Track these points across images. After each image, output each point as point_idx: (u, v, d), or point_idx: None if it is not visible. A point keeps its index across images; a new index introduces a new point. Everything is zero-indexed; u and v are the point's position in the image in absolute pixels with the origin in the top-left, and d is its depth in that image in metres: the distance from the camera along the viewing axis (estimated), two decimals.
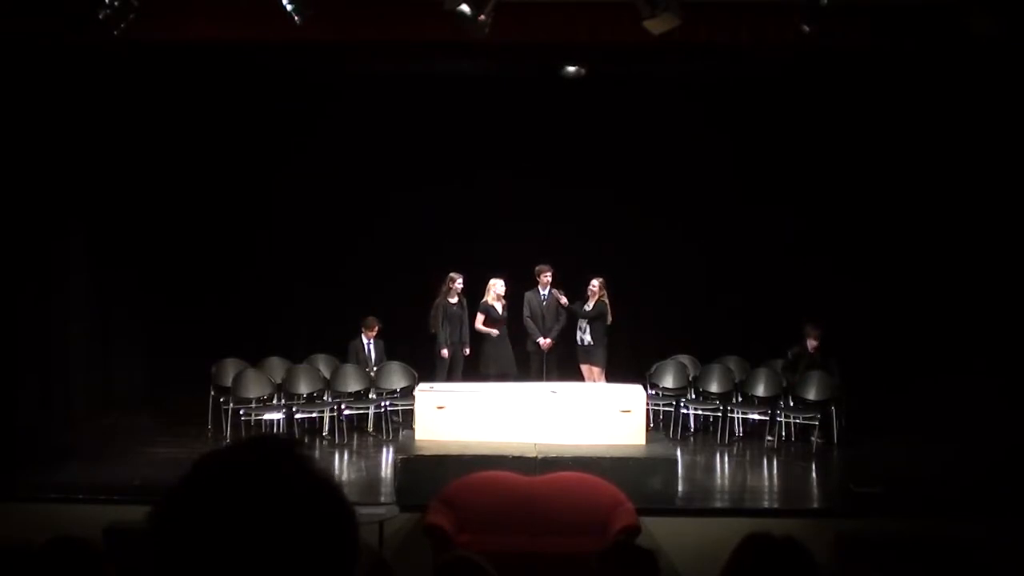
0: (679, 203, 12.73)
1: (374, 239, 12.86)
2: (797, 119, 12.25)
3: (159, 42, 9.24)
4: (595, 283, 11.48)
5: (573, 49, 10.04)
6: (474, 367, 11.58)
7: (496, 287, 11.49)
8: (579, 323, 11.52)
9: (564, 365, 11.66)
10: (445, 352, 11.45)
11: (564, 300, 11.53)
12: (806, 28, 8.17)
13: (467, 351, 11.58)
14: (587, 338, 11.46)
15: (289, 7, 8.04)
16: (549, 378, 11.21)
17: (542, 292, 11.65)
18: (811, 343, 11.25)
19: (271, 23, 8.58)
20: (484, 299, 11.51)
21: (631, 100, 12.36)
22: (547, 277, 11.62)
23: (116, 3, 7.92)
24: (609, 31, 9.07)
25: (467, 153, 12.70)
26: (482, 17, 7.81)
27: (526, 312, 11.63)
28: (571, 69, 10.69)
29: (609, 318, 11.44)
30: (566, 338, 11.69)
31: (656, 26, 7.77)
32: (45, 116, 10.07)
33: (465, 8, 7.67)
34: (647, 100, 12.33)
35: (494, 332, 11.42)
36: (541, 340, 11.53)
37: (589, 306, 11.44)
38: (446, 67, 11.53)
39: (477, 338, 11.56)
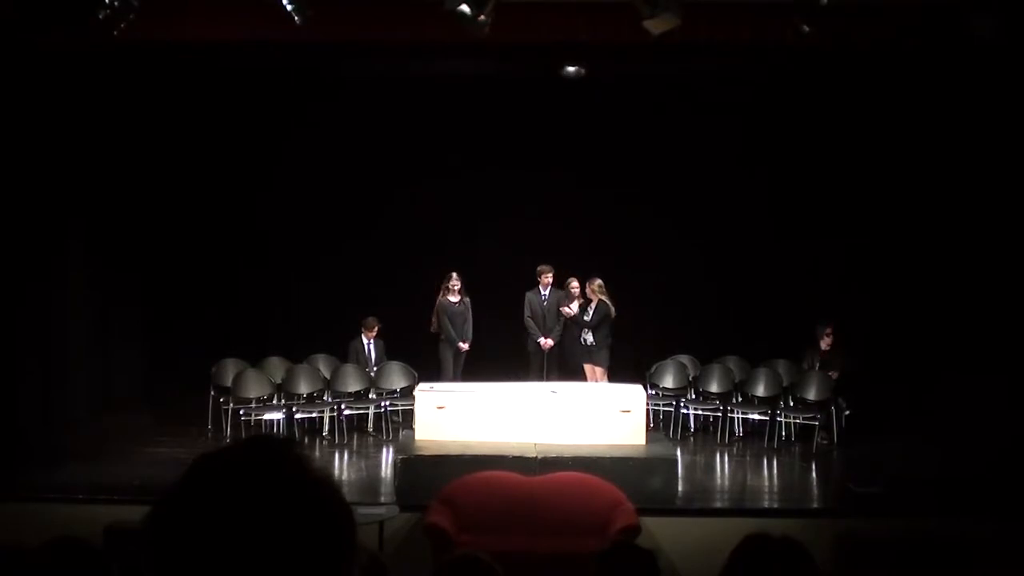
0: (679, 203, 12.72)
1: (374, 239, 12.86)
2: (797, 119, 12.25)
3: (159, 42, 9.24)
4: (587, 284, 11.45)
5: (573, 49, 10.03)
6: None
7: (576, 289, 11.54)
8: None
9: (564, 365, 11.66)
10: (464, 345, 11.51)
11: (568, 310, 11.50)
12: (806, 28, 8.17)
13: (465, 348, 11.58)
14: (589, 338, 11.44)
15: (289, 7, 8.04)
16: (550, 378, 11.22)
17: (543, 292, 11.65)
18: (824, 343, 11.29)
19: (271, 23, 8.58)
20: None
21: (631, 100, 12.35)
22: (548, 278, 11.63)
23: (116, 3, 7.92)
24: (609, 31, 9.07)
25: (467, 153, 12.70)
26: (482, 17, 7.81)
27: (527, 312, 11.64)
28: (571, 69, 10.68)
29: (613, 312, 11.41)
30: (567, 338, 11.69)
31: (656, 26, 7.77)
32: (45, 116, 10.05)
33: (465, 8, 7.67)
34: (647, 100, 12.33)
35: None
36: (541, 340, 11.54)
37: (589, 314, 11.42)
38: (446, 67, 11.52)
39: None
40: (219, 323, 12.37)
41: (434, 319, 11.62)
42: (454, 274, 11.60)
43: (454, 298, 11.59)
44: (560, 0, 9.14)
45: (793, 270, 12.36)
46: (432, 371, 11.40)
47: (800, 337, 11.60)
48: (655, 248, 12.76)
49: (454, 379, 11.25)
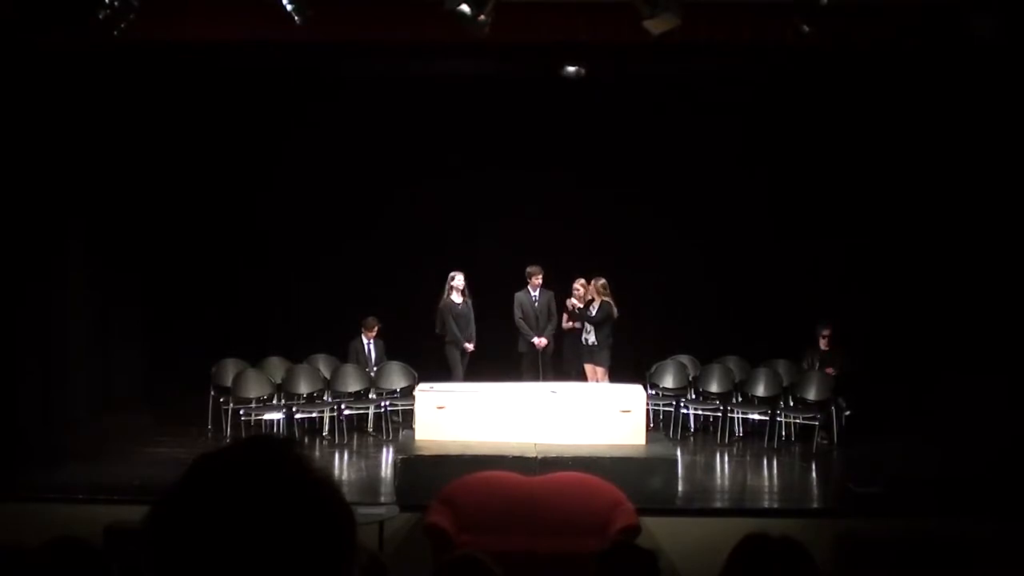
0: (679, 203, 12.73)
1: (374, 239, 12.86)
2: (797, 119, 12.25)
3: (159, 42, 9.24)
4: (591, 283, 11.44)
5: (573, 49, 10.03)
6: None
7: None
8: (584, 323, 11.48)
9: (560, 366, 11.62)
10: (469, 346, 11.47)
11: (575, 302, 11.46)
12: (806, 28, 8.17)
13: (471, 348, 11.56)
14: (591, 338, 11.41)
15: (289, 7, 8.04)
16: (545, 378, 11.17)
17: (533, 293, 11.60)
18: (824, 342, 11.33)
19: (271, 23, 8.58)
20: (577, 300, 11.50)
21: (631, 100, 12.35)
22: (538, 279, 11.58)
23: (116, 3, 7.92)
24: (609, 31, 9.07)
25: (467, 153, 12.70)
26: (482, 17, 7.81)
27: (518, 313, 11.57)
28: (571, 69, 10.68)
29: (615, 313, 11.39)
30: (566, 339, 11.67)
31: (656, 26, 7.77)
32: (45, 116, 10.05)
33: (465, 8, 7.67)
34: (647, 100, 12.33)
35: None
36: (536, 340, 11.49)
37: (593, 310, 11.40)
38: (446, 67, 11.52)
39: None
40: (219, 323, 12.38)
41: (438, 321, 11.57)
42: (459, 274, 11.56)
43: (458, 298, 11.54)
44: (560, 0, 9.13)
45: (793, 270, 12.36)
46: (433, 371, 11.31)
47: (800, 337, 11.61)
48: (655, 248, 12.76)
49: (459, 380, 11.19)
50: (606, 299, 11.39)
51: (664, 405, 11.59)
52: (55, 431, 10.11)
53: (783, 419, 11.02)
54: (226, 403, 11.10)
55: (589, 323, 11.37)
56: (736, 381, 11.61)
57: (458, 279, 11.52)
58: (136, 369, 12.31)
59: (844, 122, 11.92)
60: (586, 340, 11.46)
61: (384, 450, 10.69)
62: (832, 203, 12.25)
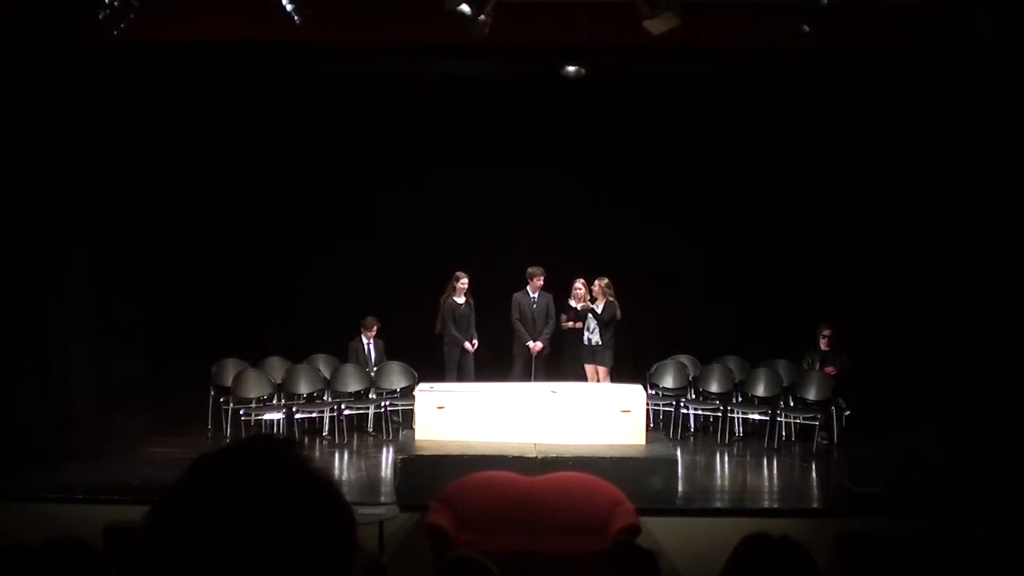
0: (679, 203, 12.73)
1: (374, 239, 12.86)
2: (797, 119, 12.25)
3: (159, 42, 9.24)
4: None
5: (573, 49, 10.04)
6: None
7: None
8: (587, 323, 11.44)
9: (556, 365, 11.60)
10: (469, 345, 11.42)
11: (574, 303, 11.45)
12: (806, 28, 8.18)
13: (471, 348, 11.52)
14: (595, 339, 11.39)
15: (289, 7, 8.05)
16: (537, 380, 11.12)
17: (532, 295, 11.57)
18: (823, 342, 11.34)
19: (271, 23, 8.58)
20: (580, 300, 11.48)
21: (631, 100, 12.35)
22: (539, 281, 11.54)
23: (116, 3, 7.92)
24: (609, 31, 9.08)
25: (467, 153, 12.70)
26: (482, 17, 7.82)
27: (515, 315, 11.52)
28: (571, 69, 10.68)
29: (619, 313, 11.38)
30: (565, 341, 11.66)
31: (656, 26, 7.78)
32: (45, 117, 10.06)
33: (465, 8, 7.68)
34: (647, 100, 12.33)
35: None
36: (531, 343, 11.46)
37: (599, 309, 11.38)
38: (446, 67, 11.52)
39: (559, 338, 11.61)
40: (219, 323, 12.37)
41: (439, 320, 11.53)
42: (462, 275, 11.52)
43: (460, 299, 11.51)
44: (560, 0, 9.14)
45: (793, 270, 12.36)
46: (432, 371, 11.33)
47: (800, 337, 11.61)
48: (655, 248, 12.76)
49: (467, 380, 11.12)
50: (611, 299, 11.37)
51: (664, 405, 11.58)
52: (56, 431, 10.11)
53: (783, 419, 11.02)
54: (226, 403, 11.10)
55: (597, 322, 11.34)
56: (736, 381, 11.62)
57: (463, 280, 11.48)
58: (136, 369, 12.30)
59: (844, 122, 11.92)
60: (589, 340, 11.43)
61: (384, 450, 10.69)
62: (833, 203, 12.25)
